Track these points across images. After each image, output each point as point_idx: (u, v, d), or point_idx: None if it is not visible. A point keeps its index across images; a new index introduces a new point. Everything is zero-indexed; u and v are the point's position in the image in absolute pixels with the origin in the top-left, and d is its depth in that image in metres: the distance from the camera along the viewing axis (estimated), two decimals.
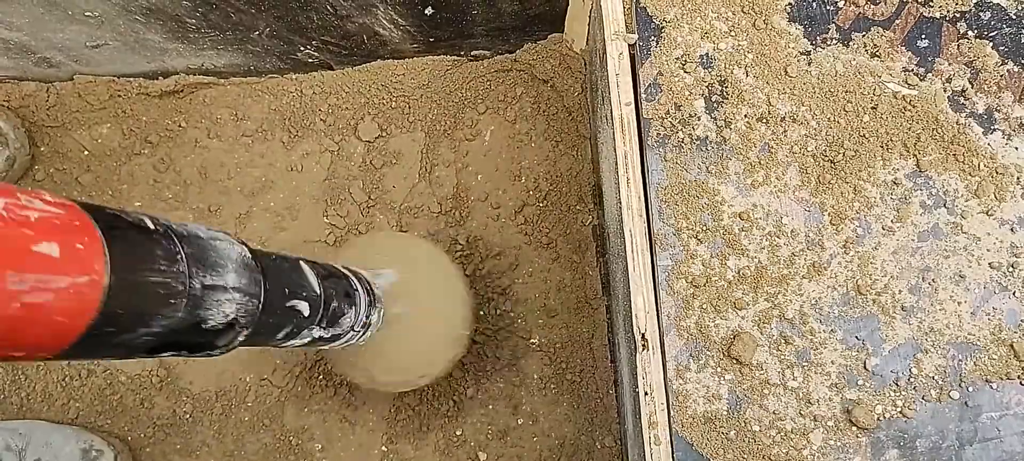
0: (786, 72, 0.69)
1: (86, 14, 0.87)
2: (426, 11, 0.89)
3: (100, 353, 0.47)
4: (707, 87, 0.69)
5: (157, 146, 1.05)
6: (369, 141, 1.03)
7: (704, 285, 0.67)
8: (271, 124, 1.05)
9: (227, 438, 1.01)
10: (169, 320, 0.50)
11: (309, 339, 0.70)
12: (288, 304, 0.65)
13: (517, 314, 1.03)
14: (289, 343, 0.68)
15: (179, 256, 0.51)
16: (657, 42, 0.70)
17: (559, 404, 1.02)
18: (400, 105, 1.03)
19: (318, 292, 0.69)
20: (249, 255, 0.58)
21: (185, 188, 1.04)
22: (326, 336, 0.72)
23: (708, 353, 0.66)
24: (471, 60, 1.02)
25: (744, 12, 0.71)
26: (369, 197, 1.03)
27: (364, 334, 0.78)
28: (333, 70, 1.03)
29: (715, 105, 0.69)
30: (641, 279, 0.69)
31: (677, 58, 0.70)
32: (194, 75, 1.04)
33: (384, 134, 1.03)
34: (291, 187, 1.04)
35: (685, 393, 0.66)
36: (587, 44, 0.93)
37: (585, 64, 0.99)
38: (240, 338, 0.59)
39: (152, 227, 0.49)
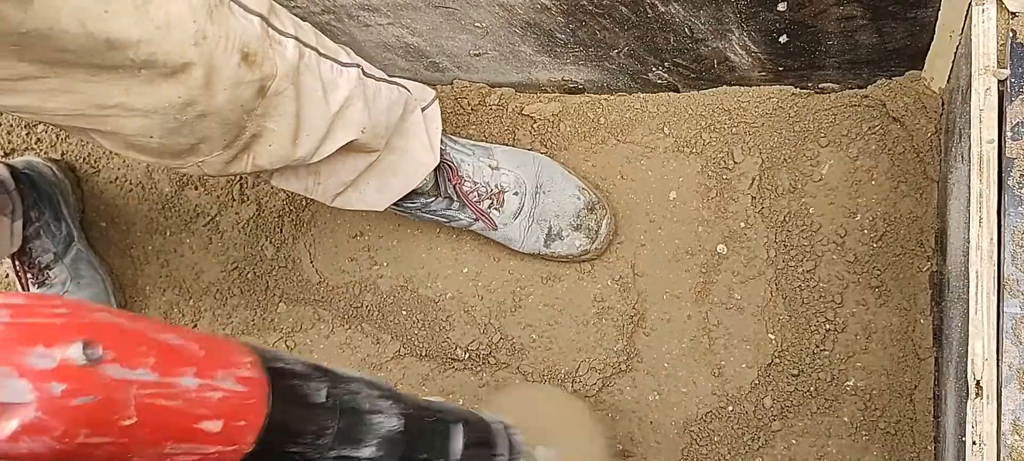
0: None
1: (475, 25, 1.01)
2: (780, 39, 0.91)
3: None
4: None
5: None
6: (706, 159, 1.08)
7: None
8: (610, 139, 1.13)
9: None
10: None
11: None
12: None
13: (834, 352, 1.01)
14: None
15: (328, 432, 0.57)
16: None
17: (868, 452, 0.98)
18: (741, 131, 1.06)
19: (456, 457, 0.71)
20: (400, 430, 0.63)
21: None
22: None
23: None
24: (817, 92, 1.03)
25: None
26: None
27: None
28: (679, 93, 1.09)
29: None
30: (983, 323, 0.66)
31: None
32: (554, 90, 1.15)
33: (722, 155, 1.07)
34: (624, 196, 1.12)
35: (1021, 451, 0.62)
36: (948, 82, 0.90)
37: (942, 104, 0.95)
38: None
39: (321, 402, 0.56)
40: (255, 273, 1.26)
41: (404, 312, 1.19)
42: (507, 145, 1.15)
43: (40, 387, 0.42)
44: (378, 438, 0.62)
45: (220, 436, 0.49)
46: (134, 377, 0.45)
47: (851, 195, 1.02)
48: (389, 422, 0.63)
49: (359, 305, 1.21)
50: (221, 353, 0.50)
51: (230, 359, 0.50)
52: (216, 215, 1.29)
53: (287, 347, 1.24)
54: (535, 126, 1.16)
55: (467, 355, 1.15)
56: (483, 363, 1.15)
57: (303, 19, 1.06)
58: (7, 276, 1.35)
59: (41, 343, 0.42)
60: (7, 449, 0.42)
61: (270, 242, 1.26)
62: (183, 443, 0.48)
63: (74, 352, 0.43)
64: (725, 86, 1.06)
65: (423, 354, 1.18)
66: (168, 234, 1.31)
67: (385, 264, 1.21)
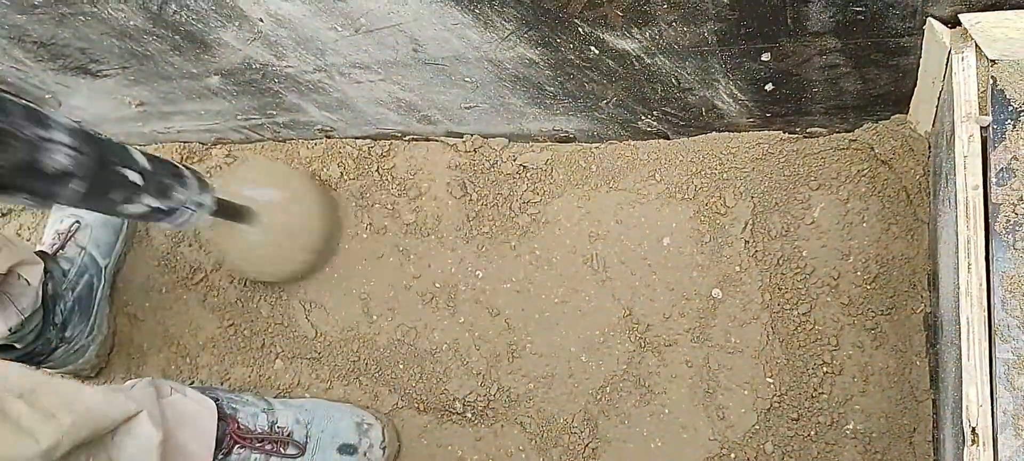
0: None
1: (466, 80, 1.02)
2: (766, 87, 0.92)
3: None
4: None
5: (504, 200, 1.18)
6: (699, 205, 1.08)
7: None
8: (602, 186, 1.14)
9: None
10: (11, 156, 0.68)
11: (146, 208, 0.88)
12: (117, 169, 0.82)
13: (832, 395, 1.01)
14: (128, 208, 0.87)
15: (11, 113, 0.68)
16: (1014, 126, 0.68)
17: None
18: (731, 176, 1.06)
19: (145, 166, 0.86)
20: (77, 125, 0.76)
21: (523, 234, 1.16)
22: (162, 207, 0.91)
23: None
24: (806, 136, 1.04)
25: None
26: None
27: (197, 213, 0.98)
28: (669, 140, 1.10)
29: None
30: (976, 370, 0.66)
31: None
32: (545, 139, 1.16)
33: (714, 200, 1.08)
34: (618, 243, 1.12)
35: None
36: (933, 126, 0.91)
37: (929, 147, 0.96)
38: (79, 190, 0.77)
39: None
40: (251, 330, 1.26)
41: (401, 365, 1.19)
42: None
43: None
44: (61, 126, 0.75)
45: None
46: None
47: (843, 238, 1.02)
48: (63, 119, 0.76)
49: (356, 359, 1.21)
50: None
51: None
52: (212, 271, 1.29)
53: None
54: (528, 175, 1.16)
55: (464, 407, 1.15)
56: (481, 416, 1.14)
57: (296, 77, 1.08)
58: None
59: None
60: None
61: (265, 299, 1.26)
62: None
63: None
64: (714, 132, 1.07)
65: (421, 407, 1.17)
66: (164, 291, 1.32)
67: (381, 317, 1.21)
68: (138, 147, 0.91)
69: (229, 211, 1.07)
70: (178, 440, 0.98)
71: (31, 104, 0.74)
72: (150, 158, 0.90)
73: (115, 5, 0.99)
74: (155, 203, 0.90)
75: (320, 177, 1.24)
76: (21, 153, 0.70)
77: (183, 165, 0.98)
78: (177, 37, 1.03)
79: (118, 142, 0.87)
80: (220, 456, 1.04)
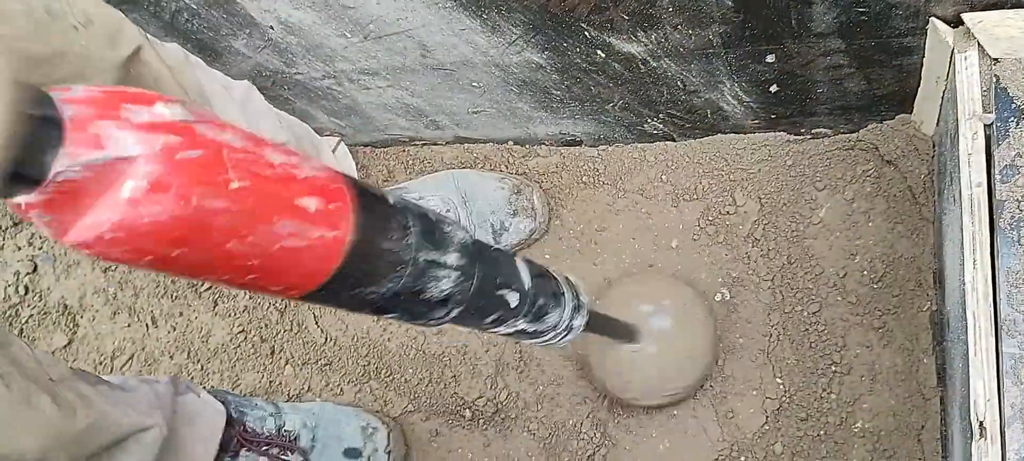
0: None
1: (473, 84, 1.03)
2: (771, 89, 0.93)
3: (334, 302, 0.56)
4: None
5: None
6: (705, 206, 1.09)
7: None
8: (610, 188, 1.14)
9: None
10: (394, 284, 0.58)
11: (514, 330, 0.77)
12: (498, 293, 0.71)
13: (841, 395, 1.01)
14: (495, 330, 0.75)
15: (410, 230, 0.59)
16: (1018, 123, 0.69)
17: None
18: (738, 177, 1.07)
19: (528, 287, 0.74)
20: (471, 242, 0.66)
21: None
22: (529, 330, 0.78)
23: None
24: (811, 137, 1.04)
25: None
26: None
27: (566, 336, 0.84)
28: (675, 142, 1.11)
29: None
30: (983, 364, 0.67)
31: None
32: (553, 143, 1.17)
33: (721, 201, 1.09)
34: (631, 248, 1.13)
35: None
36: (938, 125, 0.91)
37: (933, 146, 0.96)
38: (453, 314, 0.66)
39: (392, 202, 0.58)
40: (261, 336, 1.27)
41: (411, 369, 1.20)
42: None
43: (145, 139, 0.40)
44: (456, 246, 0.64)
45: (319, 216, 0.49)
46: (225, 139, 0.44)
47: (850, 237, 1.03)
48: (460, 233, 0.65)
49: (366, 364, 1.22)
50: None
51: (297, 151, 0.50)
52: None
53: None
54: (536, 178, 1.17)
55: (473, 413, 1.15)
56: (490, 421, 1.15)
57: (306, 84, 1.09)
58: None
59: (133, 102, 0.40)
60: (131, 219, 0.40)
61: (275, 306, 1.27)
62: (290, 220, 0.47)
63: (166, 108, 0.41)
64: (720, 134, 1.08)
65: (431, 411, 1.18)
66: (175, 297, 1.33)
67: (391, 321, 1.22)
68: (525, 259, 0.77)
69: (611, 329, 0.94)
70: (182, 437, 0.99)
71: (432, 218, 0.64)
72: (535, 274, 0.77)
73: (127, 14, 1.00)
74: (524, 326, 0.79)
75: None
76: (407, 281, 0.60)
77: (566, 283, 0.84)
78: (189, 45, 1.04)
79: (509, 256, 0.75)
80: (227, 458, 1.05)
